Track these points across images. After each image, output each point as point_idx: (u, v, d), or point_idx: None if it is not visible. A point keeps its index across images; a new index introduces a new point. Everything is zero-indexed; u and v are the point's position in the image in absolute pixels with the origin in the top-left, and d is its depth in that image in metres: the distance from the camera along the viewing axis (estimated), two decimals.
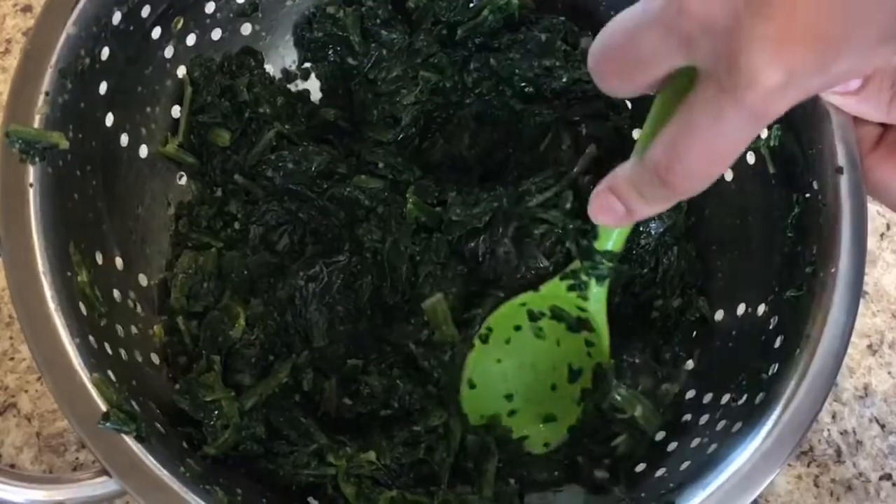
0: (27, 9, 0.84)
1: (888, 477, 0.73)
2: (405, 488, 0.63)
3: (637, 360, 0.66)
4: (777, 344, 0.61)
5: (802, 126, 0.62)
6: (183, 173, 0.72)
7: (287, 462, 0.62)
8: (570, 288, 0.67)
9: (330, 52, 0.76)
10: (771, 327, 0.63)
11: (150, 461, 0.54)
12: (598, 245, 0.66)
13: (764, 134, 0.65)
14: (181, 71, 0.70)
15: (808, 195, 0.61)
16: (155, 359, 0.64)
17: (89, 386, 0.55)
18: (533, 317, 0.68)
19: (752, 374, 0.62)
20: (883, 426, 0.74)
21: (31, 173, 0.57)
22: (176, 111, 0.71)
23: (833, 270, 0.59)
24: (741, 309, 0.67)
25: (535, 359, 0.69)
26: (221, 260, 0.70)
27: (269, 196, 0.72)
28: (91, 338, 0.57)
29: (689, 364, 0.68)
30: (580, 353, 0.69)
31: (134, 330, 0.64)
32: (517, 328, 0.69)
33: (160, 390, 0.62)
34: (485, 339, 0.69)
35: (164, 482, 0.54)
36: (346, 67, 0.76)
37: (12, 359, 0.74)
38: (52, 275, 0.56)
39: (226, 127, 0.71)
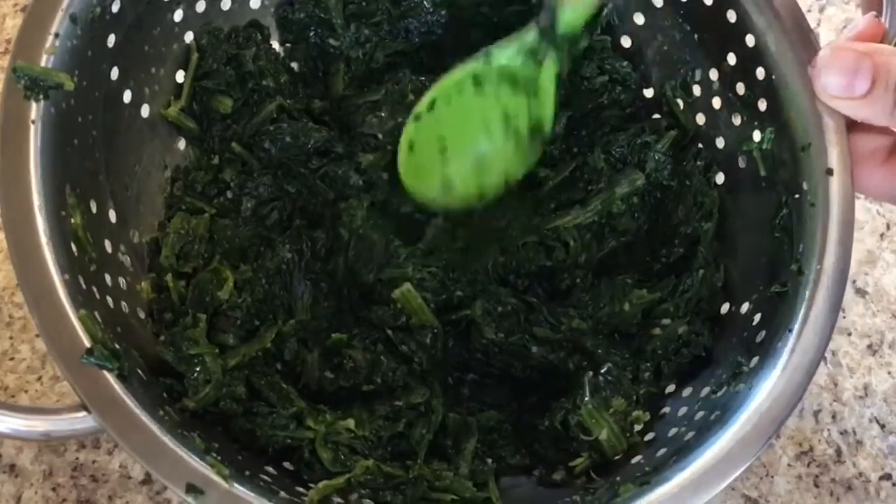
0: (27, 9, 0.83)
1: (888, 477, 0.73)
2: (381, 460, 0.63)
3: (614, 377, 0.66)
4: (759, 339, 0.62)
5: (795, 128, 0.63)
6: (182, 138, 0.73)
7: (265, 423, 0.62)
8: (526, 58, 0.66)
9: (311, 34, 0.76)
10: (754, 324, 0.63)
11: (130, 401, 0.54)
12: (560, 27, 0.65)
13: (757, 137, 0.66)
14: (189, 36, 0.71)
15: (797, 195, 0.62)
16: (140, 313, 0.64)
17: (75, 321, 0.55)
18: (478, 82, 0.67)
19: (733, 367, 0.62)
20: (883, 426, 0.74)
21: (35, 110, 0.58)
22: (180, 76, 0.71)
23: (818, 268, 0.60)
24: (725, 308, 0.68)
25: (474, 114, 0.67)
26: (214, 226, 0.70)
27: (263, 168, 0.72)
28: (80, 278, 0.57)
29: (671, 388, 0.68)
30: (519, 111, 0.67)
31: (122, 282, 0.64)
32: (459, 92, 0.67)
33: (144, 343, 0.62)
34: (430, 108, 0.67)
35: (143, 423, 0.54)
36: (326, 49, 0.76)
37: (12, 359, 0.74)
38: (46, 210, 0.56)
39: (228, 95, 0.72)
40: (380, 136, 0.73)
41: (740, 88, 0.68)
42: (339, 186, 0.72)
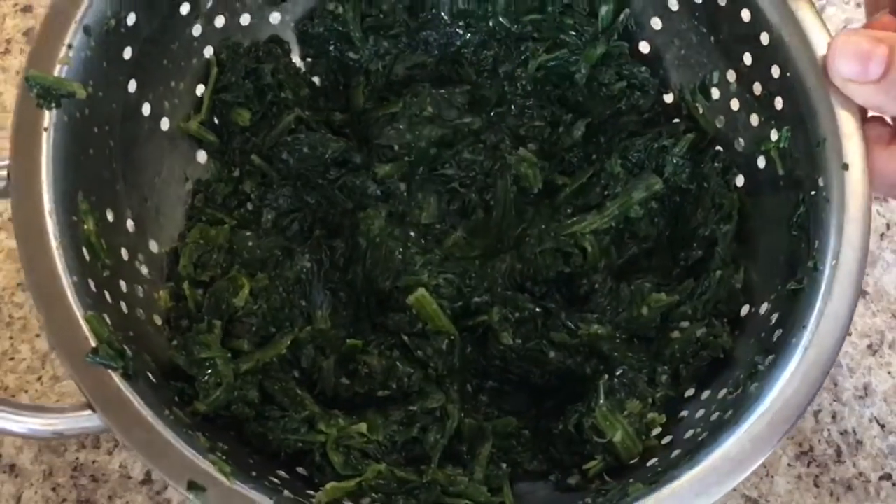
0: (27, 9, 0.86)
1: (888, 477, 0.72)
2: (395, 465, 0.62)
3: (629, 379, 0.65)
4: (775, 337, 0.61)
5: (810, 124, 0.62)
6: (203, 151, 0.73)
7: (277, 426, 0.62)
8: None
9: (331, 48, 0.77)
10: (771, 323, 0.62)
11: (134, 398, 0.55)
12: None
13: (774, 136, 0.66)
14: (208, 51, 0.72)
15: (813, 192, 0.61)
16: (157, 320, 0.65)
17: (81, 321, 0.56)
18: None
19: (749, 367, 0.61)
20: (883, 426, 0.73)
21: (47, 117, 0.59)
22: (200, 90, 0.72)
23: (834, 263, 0.58)
24: (745, 310, 0.67)
25: None
26: (234, 236, 0.70)
27: (283, 179, 0.73)
28: (90, 281, 0.58)
29: (690, 392, 0.66)
30: None
31: (139, 290, 0.64)
32: None
33: (158, 350, 0.63)
34: None
35: (147, 420, 0.55)
36: (346, 62, 0.77)
37: (12, 359, 0.75)
38: (57, 214, 0.57)
39: (247, 107, 0.73)
40: (396, 147, 0.73)
41: (757, 88, 0.67)
42: (358, 196, 0.72)
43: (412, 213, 0.73)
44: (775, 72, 0.65)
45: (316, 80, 0.77)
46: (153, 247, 0.68)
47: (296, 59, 0.77)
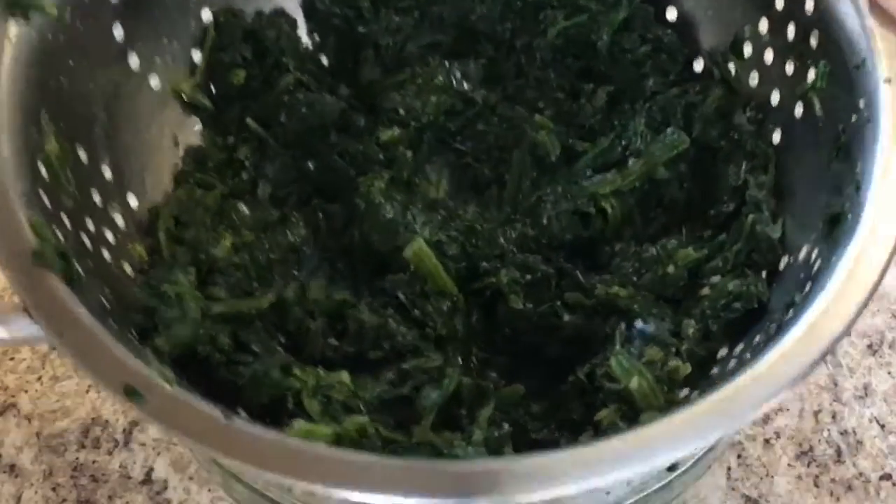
0: None
1: (888, 477, 0.70)
2: (381, 424, 0.55)
3: (650, 327, 0.58)
4: (815, 270, 0.53)
5: (847, 51, 0.56)
6: (196, 118, 0.69)
7: (248, 370, 0.55)
8: None
9: (337, 21, 0.73)
10: (811, 261, 0.55)
11: (74, 302, 0.48)
12: None
13: (811, 77, 0.59)
14: (206, 14, 0.68)
15: (853, 117, 0.55)
16: (127, 268, 0.59)
17: (24, 223, 0.50)
18: None
19: (787, 305, 0.53)
20: (883, 426, 0.72)
21: (12, 30, 0.55)
22: (197, 56, 0.68)
23: (880, 179, 0.51)
24: (784, 262, 0.59)
25: None
26: (224, 203, 0.65)
27: (281, 147, 0.68)
28: (45, 197, 0.53)
29: (723, 351, 0.58)
30: None
31: (109, 235, 0.59)
32: None
33: (125, 291, 0.57)
34: None
35: (86, 324, 0.48)
36: (355, 36, 0.73)
37: (12, 359, 0.74)
38: (12, 122, 0.53)
39: (244, 68, 0.68)
40: (401, 111, 0.68)
41: (790, 31, 0.62)
42: (360, 162, 0.67)
43: (421, 187, 0.67)
44: (809, 7, 0.59)
45: (323, 58, 0.73)
46: (132, 200, 0.63)
47: (302, 35, 0.73)
